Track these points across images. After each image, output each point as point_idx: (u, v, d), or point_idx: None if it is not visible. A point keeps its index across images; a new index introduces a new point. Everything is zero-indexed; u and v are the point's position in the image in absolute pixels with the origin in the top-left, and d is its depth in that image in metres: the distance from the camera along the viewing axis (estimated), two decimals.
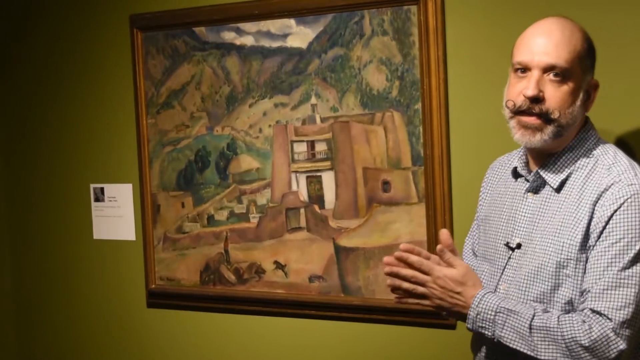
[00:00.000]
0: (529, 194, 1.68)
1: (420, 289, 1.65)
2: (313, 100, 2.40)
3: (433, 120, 2.20)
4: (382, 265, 1.69)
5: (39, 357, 3.00)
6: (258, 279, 2.53)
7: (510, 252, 1.68)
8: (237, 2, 2.46)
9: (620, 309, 1.49)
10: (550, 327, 1.53)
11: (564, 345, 1.52)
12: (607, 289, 1.50)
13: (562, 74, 1.58)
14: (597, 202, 1.55)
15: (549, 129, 1.59)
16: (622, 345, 1.49)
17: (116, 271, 2.81)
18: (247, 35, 2.47)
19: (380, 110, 2.30)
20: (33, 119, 2.91)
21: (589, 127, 1.66)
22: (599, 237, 1.54)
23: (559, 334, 1.52)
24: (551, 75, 1.58)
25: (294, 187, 2.45)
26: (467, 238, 1.94)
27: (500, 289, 1.68)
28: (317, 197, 2.42)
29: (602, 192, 1.55)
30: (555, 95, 1.58)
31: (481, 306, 1.60)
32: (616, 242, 1.51)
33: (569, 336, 1.51)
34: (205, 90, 2.56)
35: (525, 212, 1.68)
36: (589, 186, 1.57)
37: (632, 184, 1.52)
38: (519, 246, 1.67)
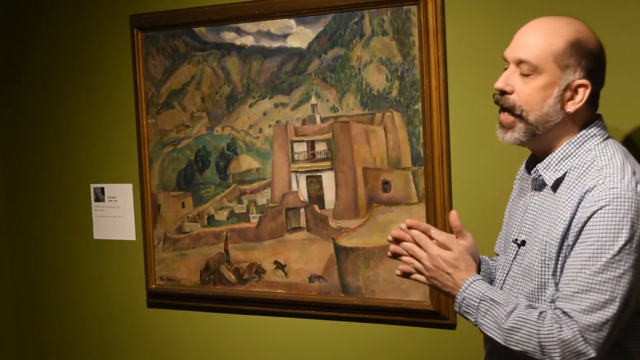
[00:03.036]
0: (534, 191, 1.69)
1: (417, 264, 1.70)
2: (313, 100, 2.40)
3: (433, 120, 2.21)
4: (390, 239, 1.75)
5: (38, 357, 3.00)
6: (258, 279, 2.53)
7: (517, 248, 1.70)
8: (237, 2, 2.47)
9: (586, 312, 1.49)
10: (529, 320, 1.54)
11: (537, 340, 1.52)
12: (578, 292, 1.50)
13: (531, 70, 1.59)
14: (580, 203, 1.54)
15: (521, 127, 1.62)
16: (591, 354, 1.48)
17: (116, 271, 2.81)
18: (247, 35, 2.48)
19: (380, 110, 2.30)
20: (33, 118, 2.91)
21: (593, 126, 1.63)
22: (577, 238, 1.54)
23: (536, 328, 1.52)
24: (521, 70, 1.60)
25: (294, 187, 2.45)
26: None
27: (507, 284, 1.71)
28: (317, 197, 2.42)
29: (586, 193, 1.53)
30: (523, 90, 1.61)
31: (468, 292, 1.62)
32: (591, 245, 1.50)
33: (546, 331, 1.51)
34: (206, 90, 2.56)
35: (531, 210, 1.69)
36: (578, 187, 1.56)
37: (613, 187, 1.49)
38: (523, 243, 1.69)
